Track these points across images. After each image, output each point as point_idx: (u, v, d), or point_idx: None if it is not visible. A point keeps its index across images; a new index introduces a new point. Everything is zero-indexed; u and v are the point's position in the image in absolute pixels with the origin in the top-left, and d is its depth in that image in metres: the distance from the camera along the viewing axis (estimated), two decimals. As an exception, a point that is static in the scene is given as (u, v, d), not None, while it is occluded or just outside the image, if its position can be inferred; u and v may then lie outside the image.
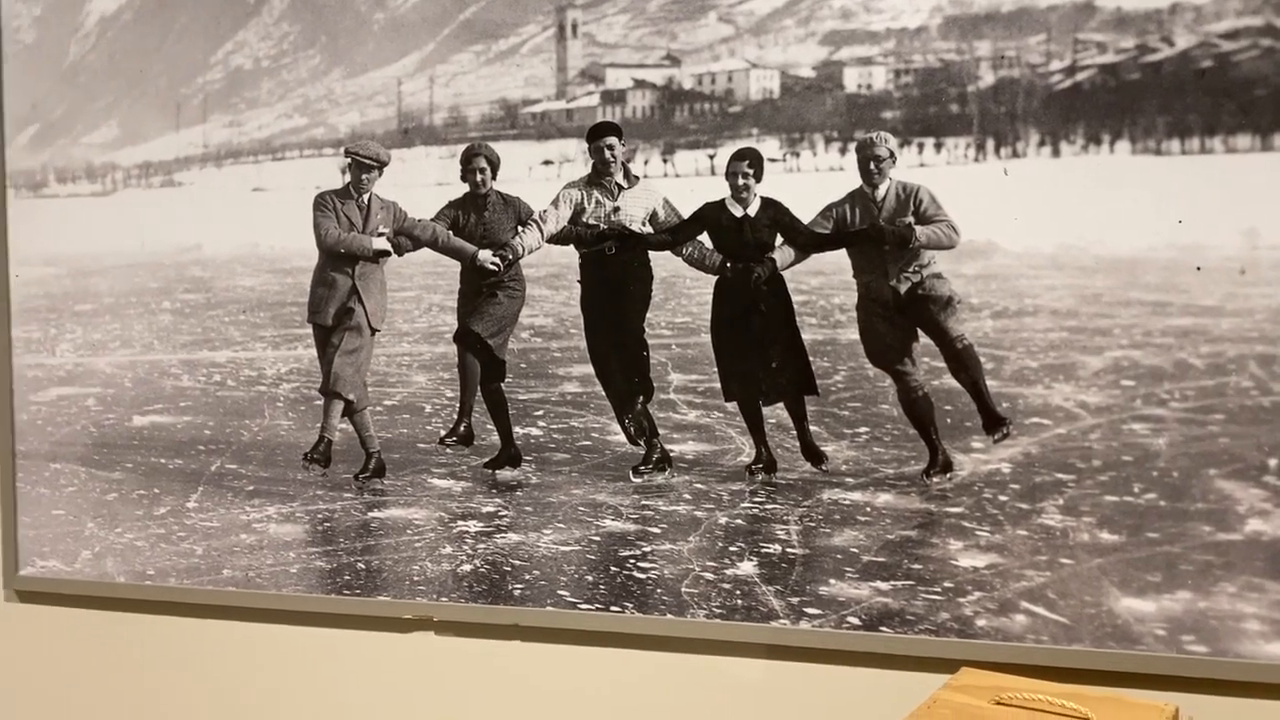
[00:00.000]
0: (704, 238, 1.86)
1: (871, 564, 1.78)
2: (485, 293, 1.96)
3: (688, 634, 1.84)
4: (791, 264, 1.82)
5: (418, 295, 2.01)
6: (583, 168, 1.90)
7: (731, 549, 1.83)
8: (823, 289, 1.82)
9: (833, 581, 1.79)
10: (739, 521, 1.84)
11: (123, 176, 2.14)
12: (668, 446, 1.88)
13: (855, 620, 1.77)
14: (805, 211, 1.81)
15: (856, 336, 1.80)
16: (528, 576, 1.92)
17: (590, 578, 1.89)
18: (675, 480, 1.87)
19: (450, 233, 1.96)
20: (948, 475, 1.76)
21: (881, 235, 1.77)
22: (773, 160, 1.82)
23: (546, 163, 1.92)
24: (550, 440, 1.94)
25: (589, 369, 1.91)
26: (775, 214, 1.82)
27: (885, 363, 1.79)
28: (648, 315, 1.88)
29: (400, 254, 2.00)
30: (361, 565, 1.99)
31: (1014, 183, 1.71)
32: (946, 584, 1.74)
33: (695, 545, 1.85)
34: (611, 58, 1.90)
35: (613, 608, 1.87)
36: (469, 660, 1.98)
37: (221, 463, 2.09)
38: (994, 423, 1.74)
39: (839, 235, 1.80)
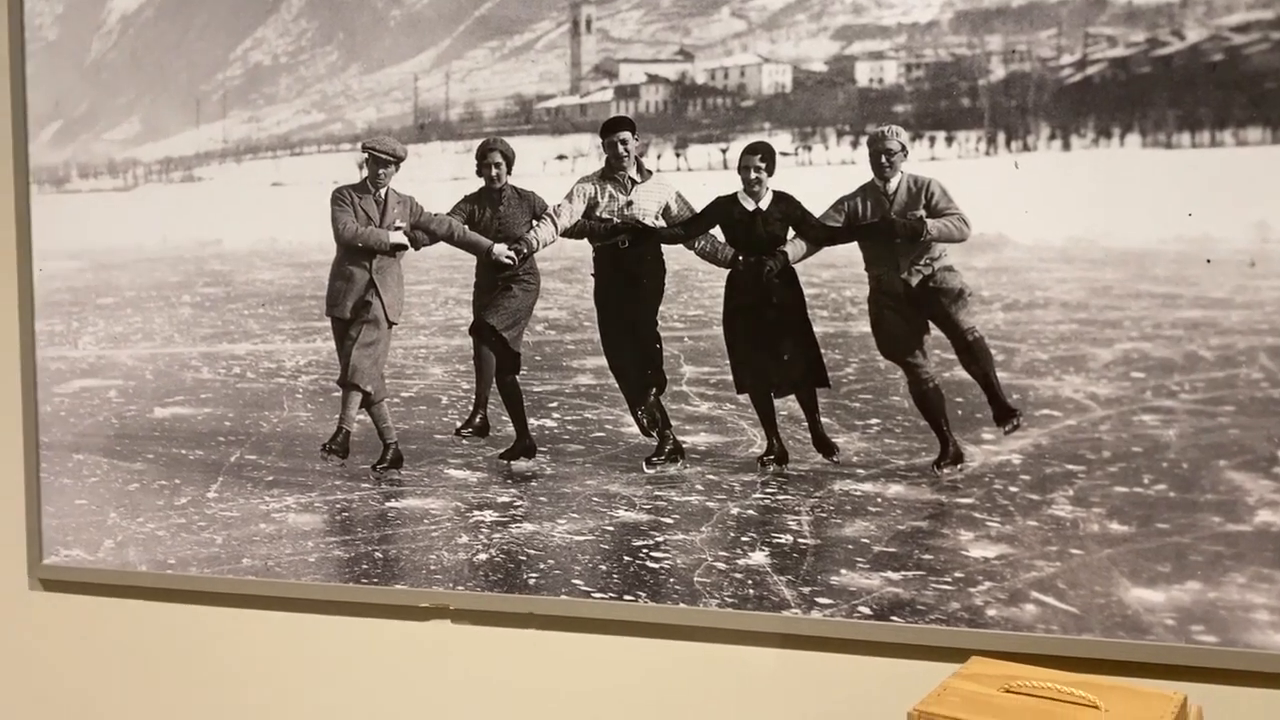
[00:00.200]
0: (716, 231, 1.87)
1: (882, 554, 1.79)
2: (500, 286, 1.98)
3: (700, 623, 1.86)
4: (803, 257, 1.83)
5: (434, 289, 2.03)
6: (596, 162, 1.92)
7: (743, 539, 1.85)
8: (834, 282, 1.83)
9: (844, 571, 1.80)
10: (751, 512, 1.85)
11: (144, 172, 2.17)
12: (680, 438, 1.90)
13: (866, 610, 1.78)
14: (817, 205, 1.82)
15: (868, 329, 1.81)
16: (542, 566, 1.94)
17: (604, 567, 1.91)
18: (688, 471, 1.89)
19: (466, 227, 1.98)
20: (958, 466, 1.77)
21: (893, 228, 1.79)
22: (785, 154, 1.83)
23: (561, 157, 1.94)
24: (564, 431, 1.96)
25: (602, 361, 1.93)
26: (787, 207, 1.83)
27: (896, 355, 1.81)
28: (660, 308, 1.89)
29: (417, 248, 2.02)
30: (379, 554, 2.02)
31: (1025, 176, 1.72)
32: (957, 574, 1.75)
33: (707, 535, 1.87)
34: (625, 53, 1.91)
35: (626, 597, 1.89)
36: (485, 648, 2.01)
37: (241, 453, 2.12)
38: (1005, 414, 1.75)
39: (851, 228, 1.81)
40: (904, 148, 1.77)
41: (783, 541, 1.83)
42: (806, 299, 1.83)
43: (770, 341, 1.85)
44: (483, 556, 1.97)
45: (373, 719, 2.09)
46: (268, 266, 2.11)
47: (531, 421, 1.97)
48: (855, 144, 1.79)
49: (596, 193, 1.91)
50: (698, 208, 1.87)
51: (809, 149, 1.82)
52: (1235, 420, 1.65)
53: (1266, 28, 1.61)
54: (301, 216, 2.06)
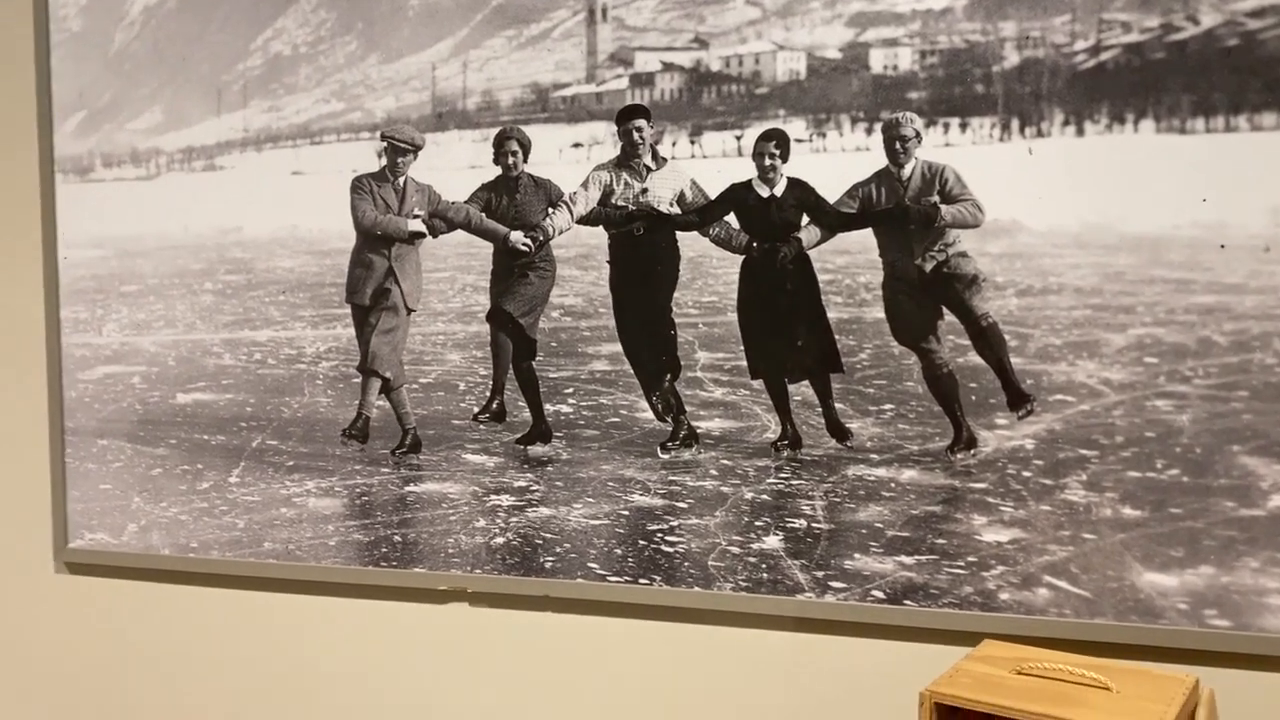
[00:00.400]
0: (731, 218, 1.88)
1: (896, 539, 1.80)
2: (517, 273, 2.00)
3: (715, 606, 1.88)
4: (817, 243, 1.84)
5: (451, 276, 2.05)
6: (612, 150, 1.93)
7: (757, 524, 1.87)
8: (848, 268, 1.84)
9: (858, 556, 1.81)
10: (765, 497, 1.87)
11: (166, 161, 2.20)
12: (695, 423, 1.91)
13: (880, 594, 1.80)
14: (831, 191, 1.83)
15: (882, 315, 1.82)
16: (558, 549, 1.96)
17: (619, 551, 1.93)
18: (702, 456, 1.91)
19: (483, 215, 2.00)
20: (972, 451, 1.78)
21: (907, 214, 1.80)
22: (799, 141, 1.84)
23: (576, 145, 1.96)
24: (580, 417, 1.97)
25: (618, 348, 1.94)
26: (801, 194, 1.84)
27: (910, 340, 1.82)
28: (675, 295, 1.91)
29: (435, 236, 2.04)
30: (398, 538, 2.04)
31: (1038, 162, 1.72)
32: (970, 558, 1.76)
33: (722, 520, 1.89)
34: (640, 41, 1.93)
35: (641, 580, 1.91)
36: (502, 630, 2.03)
37: (262, 439, 2.14)
38: (1018, 399, 1.76)
39: (865, 214, 1.82)
40: (918, 134, 1.78)
41: (797, 526, 1.85)
42: (820, 285, 1.84)
43: (784, 327, 1.87)
44: (500, 540, 1.99)
45: (392, 699, 2.12)
46: (288, 254, 2.14)
47: (548, 407, 1.99)
48: (869, 130, 1.80)
49: (612, 180, 1.93)
50: (712, 195, 1.89)
51: (823, 136, 1.83)
52: (1249, 405, 1.65)
53: (1282, 12, 1.61)
54: (321, 205, 2.09)
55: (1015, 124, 1.73)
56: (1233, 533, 1.66)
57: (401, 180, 2.04)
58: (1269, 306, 1.64)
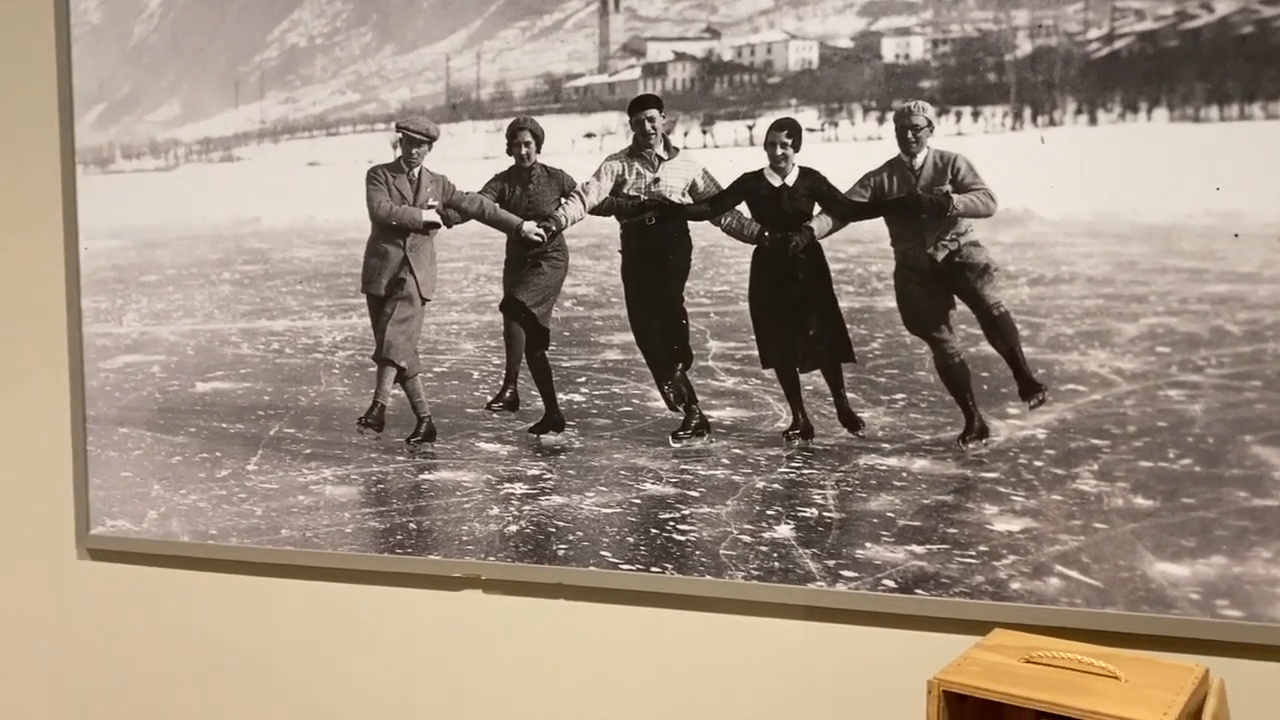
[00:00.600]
0: (742, 208, 1.89)
1: (907, 528, 1.81)
2: (530, 263, 2.01)
3: (726, 595, 1.89)
4: (829, 233, 1.84)
5: (465, 266, 2.06)
6: (624, 140, 1.94)
7: (769, 513, 1.87)
8: (860, 257, 1.84)
9: (869, 545, 1.82)
10: (776, 486, 1.87)
11: (184, 152, 2.22)
12: (706, 412, 1.92)
13: (891, 583, 1.80)
14: (843, 180, 1.83)
15: (893, 304, 1.82)
16: (571, 537, 1.98)
17: (631, 539, 1.94)
18: (713, 445, 1.91)
19: (496, 205, 2.01)
20: (983, 441, 1.78)
21: (919, 203, 1.79)
22: (811, 130, 1.84)
23: (589, 135, 1.96)
24: (592, 406, 1.99)
25: (630, 337, 1.95)
26: (813, 183, 1.84)
27: (922, 330, 1.81)
28: (687, 284, 1.91)
29: (449, 226, 2.05)
30: (413, 525, 2.06)
31: (1051, 151, 1.71)
32: (981, 548, 1.77)
33: (733, 509, 1.89)
34: (653, 31, 1.93)
35: (653, 568, 1.92)
36: (515, 617, 2.05)
37: (280, 427, 2.17)
38: (1030, 389, 1.75)
39: (877, 204, 1.82)
40: (930, 123, 1.77)
41: (808, 515, 1.85)
42: (832, 274, 1.84)
43: (796, 317, 1.87)
44: (513, 528, 2.01)
45: (406, 685, 2.14)
46: (305, 244, 2.15)
47: (560, 396, 2.00)
48: (881, 120, 1.80)
49: (624, 170, 1.93)
50: (724, 184, 1.89)
51: (835, 125, 1.83)
52: (1262, 395, 1.64)
53: (1298, -1, 1.60)
54: (337, 195, 2.10)
55: (1028, 113, 1.72)
56: (1245, 523, 1.65)
57: (416, 171, 2.05)
58: (1283, 296, 1.63)
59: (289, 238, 2.16)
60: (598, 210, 1.95)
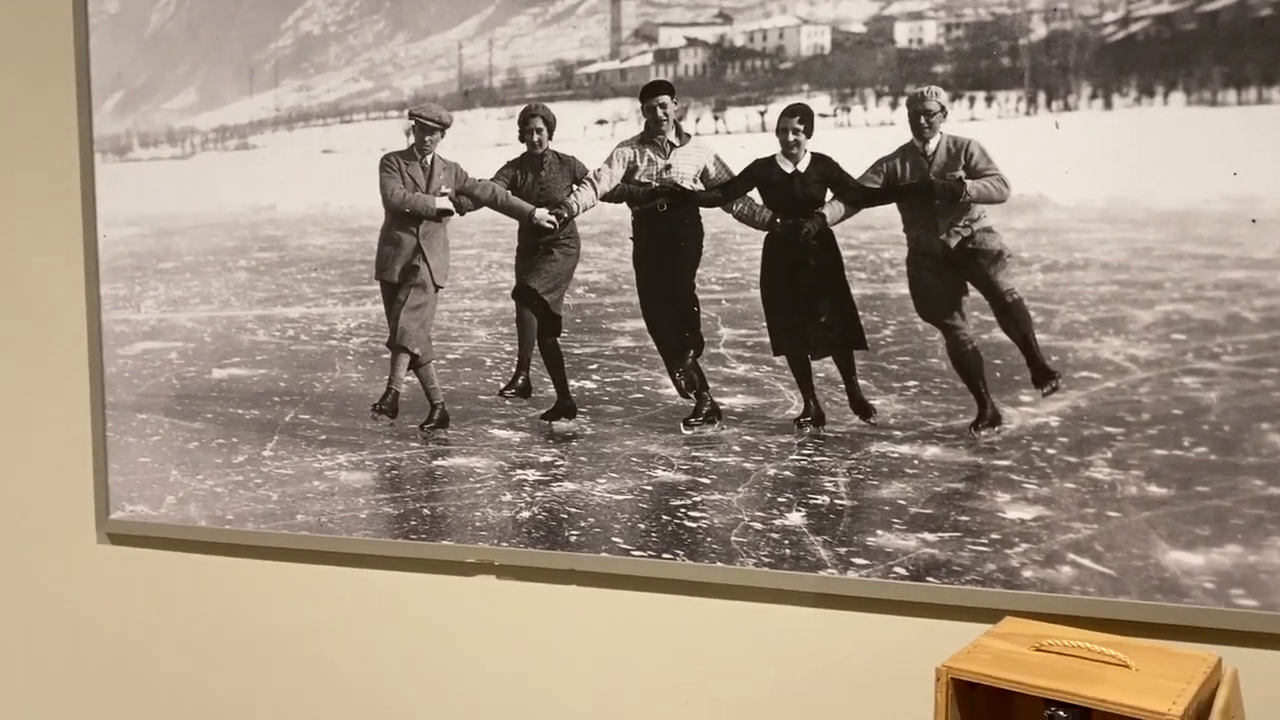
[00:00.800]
0: (754, 194, 1.88)
1: (919, 516, 1.80)
2: (542, 250, 2.01)
3: (737, 581, 1.89)
4: (841, 219, 1.84)
5: (478, 253, 2.07)
6: (636, 126, 1.93)
7: (780, 500, 1.87)
8: (872, 244, 1.83)
9: (880, 532, 1.81)
10: (787, 473, 1.87)
11: (201, 140, 2.23)
12: (718, 399, 1.92)
13: (902, 570, 1.80)
14: (856, 166, 1.82)
15: (906, 291, 1.81)
16: (583, 524, 1.98)
17: (642, 526, 1.94)
18: (725, 432, 1.91)
19: (509, 192, 2.02)
20: (996, 428, 1.77)
21: (932, 189, 1.78)
22: (823, 116, 1.83)
23: (601, 122, 1.96)
24: (604, 393, 1.99)
25: (641, 324, 1.95)
26: (825, 169, 1.84)
27: (934, 317, 1.80)
28: (698, 271, 1.91)
29: (462, 213, 2.06)
30: (427, 511, 2.07)
31: (1065, 136, 1.70)
32: (993, 536, 1.76)
33: (744, 496, 1.89)
34: (664, 17, 1.92)
35: (664, 555, 1.92)
36: (528, 603, 2.06)
37: (295, 413, 2.18)
38: (1043, 376, 1.74)
39: (889, 190, 1.81)
40: (943, 108, 1.76)
41: (819, 502, 1.85)
42: (844, 260, 1.83)
43: (808, 304, 1.86)
44: (526, 514, 2.01)
45: (420, 670, 2.16)
46: (319, 232, 2.17)
47: (572, 383, 2.00)
48: (894, 105, 1.79)
49: (636, 157, 1.93)
50: (736, 171, 1.88)
51: (848, 110, 1.82)
52: (1279, 383, 1.62)
53: (1319, -19, 1.57)
54: (351, 183, 2.11)
55: (1042, 98, 1.71)
56: (1261, 511, 1.63)
57: (429, 158, 2.06)
58: (1301, 282, 1.61)
59: (304, 225, 2.17)
60: (609, 197, 1.95)
